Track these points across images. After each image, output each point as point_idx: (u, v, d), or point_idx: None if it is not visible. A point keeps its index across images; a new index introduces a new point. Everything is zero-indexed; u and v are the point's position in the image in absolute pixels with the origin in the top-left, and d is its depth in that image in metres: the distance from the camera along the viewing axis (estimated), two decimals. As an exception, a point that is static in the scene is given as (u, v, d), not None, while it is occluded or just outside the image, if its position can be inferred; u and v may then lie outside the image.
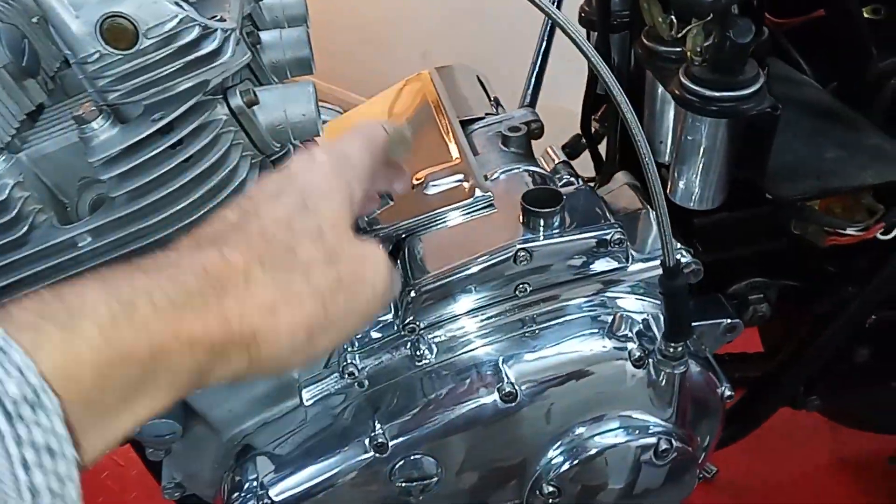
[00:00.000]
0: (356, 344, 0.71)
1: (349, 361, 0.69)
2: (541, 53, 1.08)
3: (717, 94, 0.63)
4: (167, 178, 0.54)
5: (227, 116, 0.57)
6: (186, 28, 0.52)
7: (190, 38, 0.52)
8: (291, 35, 0.70)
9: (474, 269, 0.67)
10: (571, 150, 1.18)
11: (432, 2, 2.28)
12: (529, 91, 1.07)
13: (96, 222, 0.55)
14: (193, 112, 0.55)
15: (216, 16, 0.56)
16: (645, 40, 0.72)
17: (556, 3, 1.02)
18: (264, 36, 0.70)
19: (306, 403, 0.71)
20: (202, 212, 0.56)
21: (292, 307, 0.44)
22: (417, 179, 0.78)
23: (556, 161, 0.94)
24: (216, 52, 0.54)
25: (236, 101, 0.56)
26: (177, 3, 0.52)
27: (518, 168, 0.80)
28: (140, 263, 0.42)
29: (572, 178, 0.80)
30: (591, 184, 1.04)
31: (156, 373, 0.38)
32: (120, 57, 0.52)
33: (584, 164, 1.14)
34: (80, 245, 0.55)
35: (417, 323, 0.69)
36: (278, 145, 0.61)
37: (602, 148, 1.05)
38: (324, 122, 0.97)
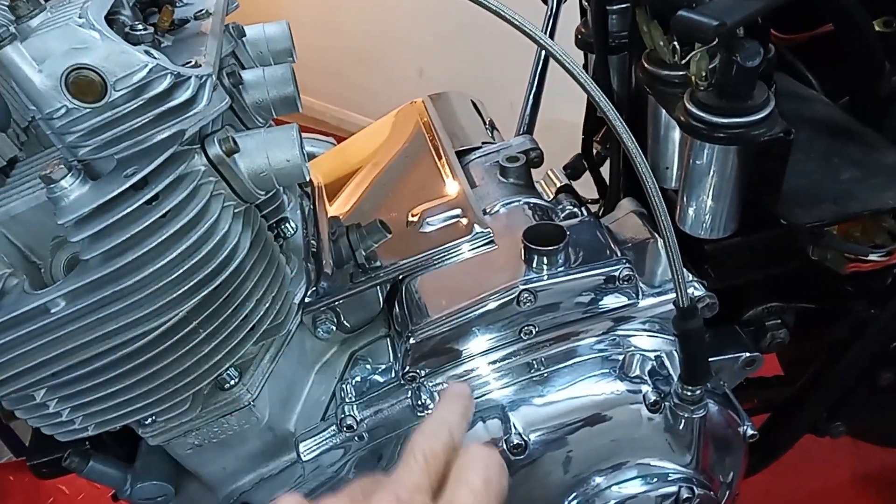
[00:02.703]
0: (354, 395, 0.67)
1: (347, 413, 0.66)
2: (536, 79, 1.04)
3: (724, 120, 0.59)
4: (143, 235, 0.51)
5: (206, 167, 0.54)
6: (157, 77, 0.49)
7: (162, 88, 0.49)
8: (275, 73, 0.67)
9: (476, 314, 0.64)
10: (573, 170, 1.14)
11: (427, 19, 2.26)
12: (527, 116, 1.04)
13: (70, 286, 0.51)
14: (169, 164, 0.51)
15: (190, 62, 0.52)
16: (646, 64, 0.69)
17: (548, 29, 0.99)
18: (247, 75, 0.67)
19: (304, 458, 0.67)
20: (183, 269, 0.52)
21: None
22: (414, 216, 0.75)
23: (559, 184, 0.90)
24: (191, 101, 0.51)
25: (215, 150, 0.53)
26: (147, 52, 0.49)
27: (518, 200, 0.76)
28: None
29: (575, 209, 0.76)
30: (595, 206, 1.01)
31: None
32: (88, 111, 0.49)
33: (588, 181, 1.10)
34: (52, 311, 0.52)
35: (418, 371, 0.65)
36: (262, 193, 0.58)
37: (605, 170, 1.02)
38: (314, 155, 0.95)
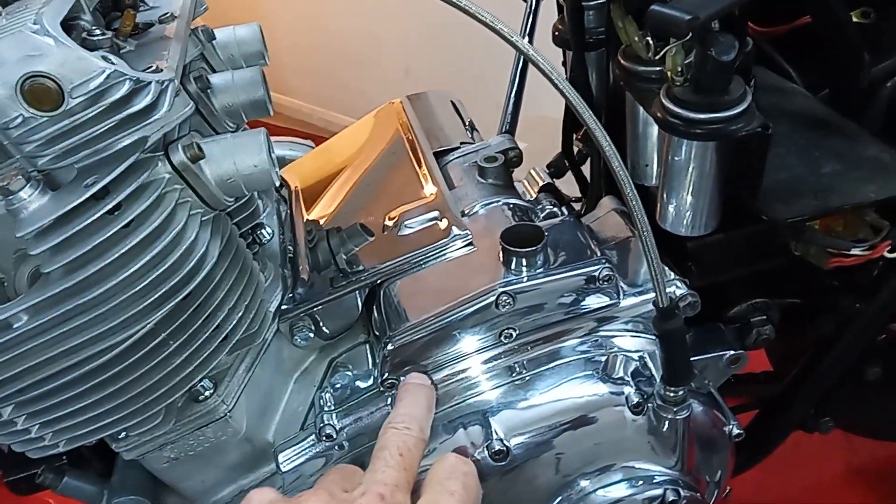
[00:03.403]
0: (333, 403, 0.66)
1: (326, 422, 0.64)
2: (517, 79, 1.03)
3: (701, 115, 0.58)
4: (106, 246, 0.50)
5: (171, 174, 0.52)
6: (116, 84, 0.48)
7: (120, 95, 0.48)
8: (244, 76, 0.66)
9: (453, 318, 0.62)
10: (556, 169, 1.13)
11: (412, 18, 2.25)
12: (508, 116, 1.03)
13: (31, 300, 0.50)
14: (131, 173, 0.50)
15: (151, 66, 0.51)
16: (622, 60, 0.68)
17: (528, 27, 0.98)
18: (215, 79, 0.65)
19: (283, 469, 0.66)
20: (149, 279, 0.51)
21: None
22: (391, 219, 0.73)
23: (541, 183, 0.89)
24: (151, 107, 0.49)
25: (179, 157, 0.52)
26: (104, 57, 0.48)
27: (497, 201, 0.75)
28: None
29: (555, 209, 0.75)
30: (577, 205, 1.00)
31: None
32: (45, 119, 0.47)
33: (573, 179, 1.09)
34: (15, 326, 0.50)
35: (397, 378, 0.64)
36: (231, 199, 0.56)
37: (586, 168, 1.01)
38: (292, 159, 0.94)
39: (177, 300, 0.53)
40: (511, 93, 1.02)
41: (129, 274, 0.50)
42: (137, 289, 0.51)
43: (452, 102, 0.99)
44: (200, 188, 0.54)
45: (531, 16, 1.02)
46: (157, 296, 0.51)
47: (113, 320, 0.51)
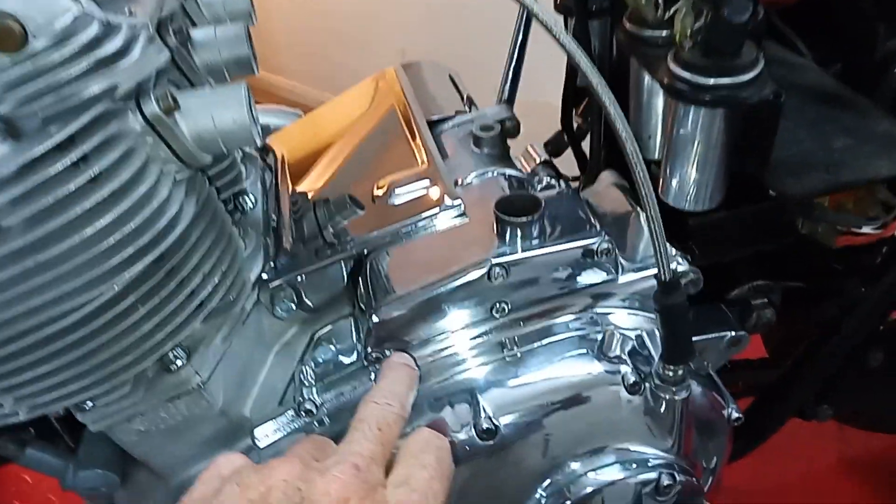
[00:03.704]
0: (314, 377, 0.63)
1: (306, 397, 0.61)
2: (517, 46, 1.00)
3: (711, 81, 0.55)
4: (70, 200, 0.46)
5: (142, 126, 0.49)
6: (84, 25, 0.44)
7: (89, 37, 0.44)
8: (227, 32, 0.62)
9: (443, 290, 0.59)
10: (554, 147, 1.10)
11: (408, -1, 2.21)
12: (507, 87, 0.99)
13: (-11, 256, 0.46)
14: (100, 123, 0.46)
15: (124, 11, 0.47)
16: (628, 24, 0.64)
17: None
18: (197, 34, 0.62)
19: (260, 445, 0.63)
20: (116, 238, 0.48)
21: None
22: (380, 188, 0.70)
23: (538, 160, 0.86)
24: (122, 52, 0.46)
25: (151, 108, 0.48)
26: (71, -4, 0.44)
27: (492, 171, 0.72)
28: None
29: (552, 181, 0.72)
30: (575, 184, 0.97)
31: None
32: (6, 61, 0.44)
33: (571, 162, 1.06)
34: (-30, 284, 0.47)
35: (382, 352, 0.61)
36: (208, 158, 0.53)
37: (586, 145, 0.97)
38: (278, 127, 0.90)
39: (146, 262, 0.49)
40: (510, 65, 0.99)
41: (95, 231, 0.47)
42: (103, 247, 0.47)
43: (450, 76, 0.96)
44: (175, 143, 0.50)
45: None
46: (124, 256, 0.48)
47: (76, 280, 0.47)
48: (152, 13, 0.50)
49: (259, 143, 0.53)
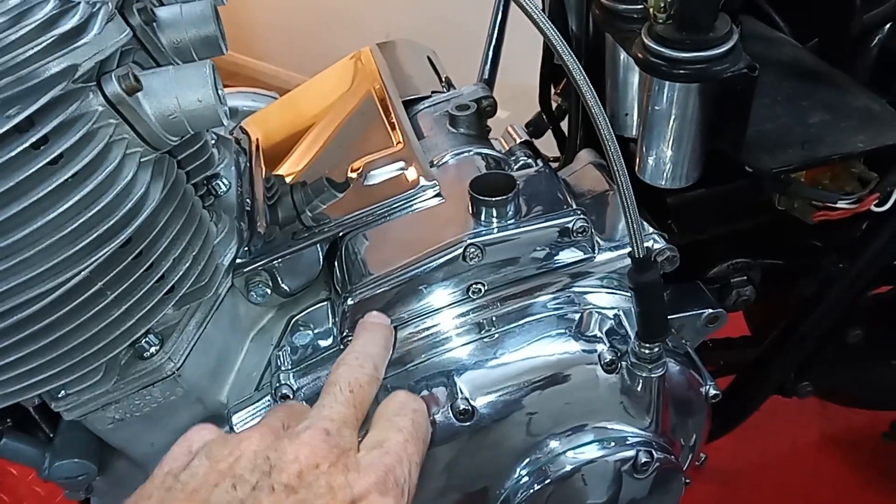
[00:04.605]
0: (291, 362, 0.62)
1: (283, 382, 0.61)
2: (496, 26, 0.99)
3: (685, 55, 0.55)
4: (31, 184, 0.45)
5: (104, 107, 0.48)
6: (39, 2, 0.43)
7: (44, 14, 0.43)
8: (193, 10, 0.61)
9: (418, 272, 0.59)
10: (535, 128, 1.09)
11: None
12: (486, 67, 0.98)
13: (-52, 242, 0.45)
14: (59, 104, 0.45)
15: (81, -13, 0.46)
16: (602, -1, 0.64)
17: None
18: (162, 13, 0.60)
19: (237, 431, 0.62)
20: (79, 222, 0.47)
21: None
22: (354, 170, 0.69)
23: (518, 141, 0.85)
24: (79, 30, 0.44)
25: (113, 87, 0.47)
26: (25, -28, 0.43)
27: (468, 151, 0.71)
28: None
29: (530, 160, 0.71)
30: (556, 165, 0.96)
31: None
32: (-42, 40, 0.42)
33: (552, 143, 1.06)
34: (-70, 271, 0.46)
35: (358, 334, 0.60)
36: (175, 139, 0.52)
37: (565, 125, 0.97)
38: (253, 110, 0.89)
39: (113, 246, 0.48)
40: (490, 45, 0.98)
41: (58, 215, 0.46)
42: (67, 232, 0.46)
43: (429, 57, 0.94)
44: (139, 124, 0.49)
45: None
46: (89, 240, 0.47)
47: (41, 266, 0.47)
48: (113, -10, 0.48)
49: (226, 123, 0.52)
